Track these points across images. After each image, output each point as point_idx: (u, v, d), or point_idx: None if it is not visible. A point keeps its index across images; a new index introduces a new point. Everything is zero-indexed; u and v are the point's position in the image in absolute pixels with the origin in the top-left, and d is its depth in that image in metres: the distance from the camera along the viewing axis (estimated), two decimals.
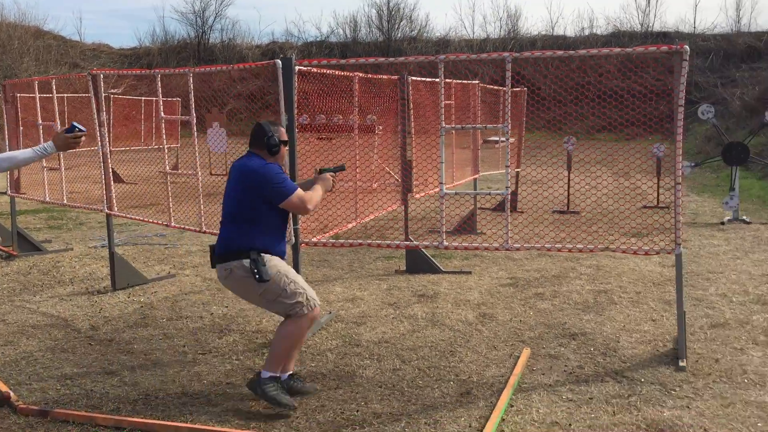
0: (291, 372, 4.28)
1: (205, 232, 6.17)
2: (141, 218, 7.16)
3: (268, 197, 4.01)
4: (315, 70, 5.48)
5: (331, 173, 4.43)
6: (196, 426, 3.87)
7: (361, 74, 6.60)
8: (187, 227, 6.57)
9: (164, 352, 5.10)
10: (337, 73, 6.12)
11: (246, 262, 3.94)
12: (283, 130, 4.24)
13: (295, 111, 5.10)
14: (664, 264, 7.51)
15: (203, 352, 5.09)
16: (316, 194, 4.22)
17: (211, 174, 16.15)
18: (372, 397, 4.27)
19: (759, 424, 3.79)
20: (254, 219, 4.01)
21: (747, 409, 3.98)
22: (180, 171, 11.23)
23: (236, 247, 3.99)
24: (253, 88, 27.37)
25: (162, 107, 6.45)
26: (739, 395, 4.17)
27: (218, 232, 4.17)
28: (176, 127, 16.86)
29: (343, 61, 5.15)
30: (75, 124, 4.06)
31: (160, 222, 6.81)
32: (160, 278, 7.27)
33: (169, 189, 6.57)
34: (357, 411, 4.07)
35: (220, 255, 4.06)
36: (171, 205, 6.57)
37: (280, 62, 5.00)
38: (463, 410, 4.04)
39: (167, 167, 6.63)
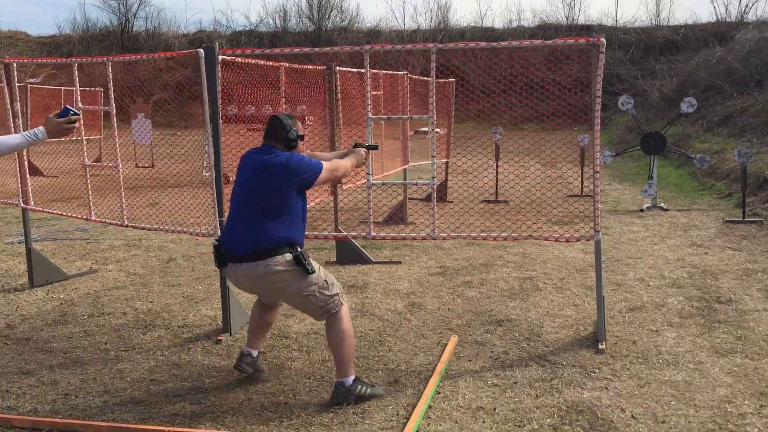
0: (260, 350, 4.40)
1: (127, 226, 6.01)
2: (58, 212, 6.91)
3: (303, 186, 3.96)
4: (240, 59, 5.39)
5: (365, 149, 4.46)
6: (119, 425, 3.78)
7: (287, 64, 6.54)
8: (108, 221, 6.38)
9: (85, 350, 4.95)
10: (262, 63, 6.05)
11: (287, 255, 3.85)
12: (300, 124, 4.14)
13: (219, 101, 5.01)
14: (586, 251, 7.74)
15: (126, 349, 4.97)
16: (345, 162, 4.24)
17: (136, 166, 15.73)
18: (300, 388, 4.26)
19: (672, 402, 3.96)
20: (288, 212, 3.91)
21: (661, 388, 4.16)
22: (102, 163, 10.89)
23: (273, 242, 3.85)
24: (180, 78, 26.73)
25: (80, 97, 6.23)
26: (654, 375, 4.35)
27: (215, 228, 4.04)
28: (98, 118, 16.32)
29: (267, 51, 5.09)
30: (68, 107, 3.81)
31: (79, 216, 6.60)
32: (81, 274, 7.05)
33: (89, 182, 6.36)
34: (285, 403, 4.05)
35: (252, 252, 3.84)
36: (91, 199, 6.37)
37: (202, 51, 4.89)
38: (391, 398, 4.07)
39: (86, 159, 6.41)
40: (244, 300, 6.06)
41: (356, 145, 4.49)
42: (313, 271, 3.91)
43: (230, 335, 5.19)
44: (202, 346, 5.03)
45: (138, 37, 35.72)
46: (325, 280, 3.99)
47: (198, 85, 5.02)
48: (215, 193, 5.14)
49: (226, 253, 3.94)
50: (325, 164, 4.05)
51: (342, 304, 4.05)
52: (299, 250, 3.92)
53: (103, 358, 4.80)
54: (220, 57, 4.98)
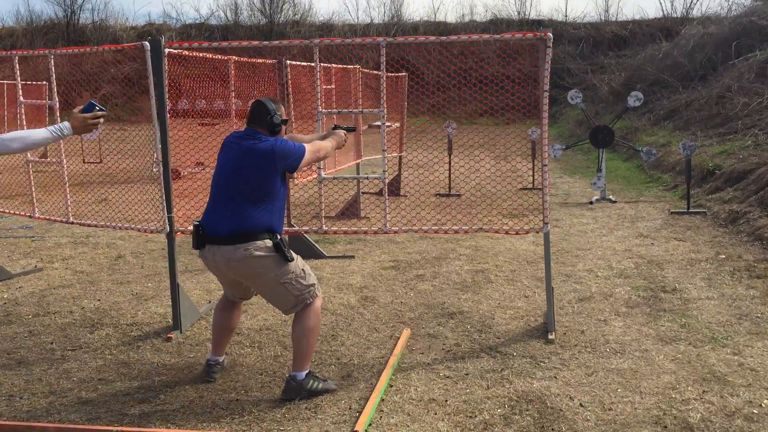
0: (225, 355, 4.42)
1: (72, 223, 5.87)
2: (1, 209, 6.71)
3: (287, 170, 3.98)
4: (186, 53, 5.31)
5: (344, 131, 4.46)
6: (65, 425, 3.70)
7: (236, 58, 6.46)
8: (53, 218, 6.22)
9: (30, 350, 4.83)
10: (211, 56, 5.97)
11: (267, 241, 3.85)
12: (283, 108, 4.15)
13: (167, 95, 4.92)
14: (537, 243, 7.85)
15: (73, 348, 4.86)
16: (326, 143, 4.25)
17: (84, 162, 15.39)
18: (252, 385, 4.23)
19: (618, 390, 4.05)
20: (270, 198, 3.92)
21: (608, 376, 4.25)
22: (47, 159, 10.59)
23: (253, 227, 3.84)
24: (129, 72, 26.16)
25: (21, 91, 6.06)
26: (601, 364, 4.44)
27: (196, 212, 4.04)
28: (43, 113, 15.89)
29: (215, 44, 5.02)
30: (93, 102, 3.62)
31: (23, 213, 6.42)
32: (26, 272, 6.85)
33: (32, 178, 6.20)
34: (237, 400, 4.02)
35: (232, 235, 3.83)
36: (35, 195, 6.20)
37: (148, 44, 4.80)
38: (343, 393, 4.07)
39: (29, 155, 6.24)
40: (195, 297, 5.99)
41: (335, 127, 4.52)
42: (292, 259, 3.93)
43: (180, 332, 5.12)
44: (151, 344, 4.95)
45: (84, 30, 34.86)
46: (303, 270, 4.00)
47: (147, 79, 4.92)
48: (164, 189, 5.06)
49: (204, 235, 3.92)
50: (308, 146, 4.08)
51: (317, 295, 4.06)
52: (278, 237, 3.92)
53: (48, 358, 4.68)
54: (167, 50, 4.90)
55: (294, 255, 3.97)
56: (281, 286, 3.92)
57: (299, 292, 3.97)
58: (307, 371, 4.03)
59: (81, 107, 3.66)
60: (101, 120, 3.64)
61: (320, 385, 4.05)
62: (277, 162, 3.89)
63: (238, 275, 3.99)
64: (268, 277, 3.90)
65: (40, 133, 3.50)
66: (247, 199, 3.87)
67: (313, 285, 4.04)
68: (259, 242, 3.84)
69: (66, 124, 3.57)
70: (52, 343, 4.97)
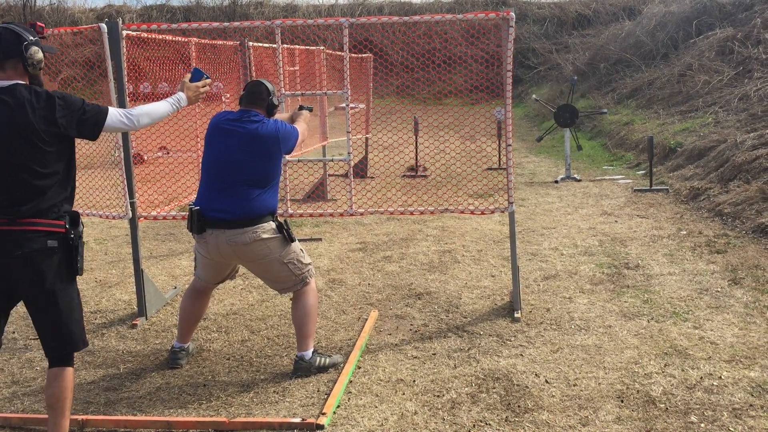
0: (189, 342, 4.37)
1: None
2: None
3: (286, 153, 4.05)
4: (145, 35, 5.21)
5: (308, 110, 4.49)
6: (28, 416, 3.66)
7: (197, 40, 6.35)
8: None
9: None
10: (169, 38, 5.86)
11: (272, 223, 3.91)
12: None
13: (126, 78, 4.83)
14: (503, 222, 7.90)
15: (35, 338, 4.75)
16: (304, 125, 4.31)
17: None
18: (219, 370, 4.22)
19: (583, 366, 4.12)
20: (273, 181, 3.98)
21: (573, 352, 4.32)
22: None
23: (259, 210, 3.89)
24: (90, 55, 25.61)
25: None
26: (566, 340, 4.51)
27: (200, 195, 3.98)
28: None
29: (174, 26, 4.92)
30: (198, 69, 3.50)
31: None
32: None
33: None
34: (204, 385, 4.00)
35: (240, 219, 3.83)
36: None
37: (105, 26, 4.70)
38: (312, 376, 4.08)
39: None
40: (160, 282, 5.93)
41: (301, 107, 4.52)
42: (294, 240, 4.00)
43: (146, 319, 5.07)
44: (116, 331, 4.89)
45: (42, 12, 33.96)
46: (301, 250, 4.09)
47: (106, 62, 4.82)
48: (125, 174, 4.98)
49: (205, 219, 3.88)
50: (299, 131, 4.13)
51: (313, 274, 4.15)
52: (278, 218, 4.00)
53: (10, 348, 4.60)
54: (125, 32, 4.80)
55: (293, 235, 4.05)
56: (284, 266, 3.99)
57: (300, 271, 4.04)
58: (312, 349, 4.10)
59: (189, 76, 3.58)
60: (207, 88, 3.61)
61: (327, 361, 4.13)
62: (281, 145, 3.96)
63: (243, 258, 4.00)
64: (272, 258, 3.96)
65: (163, 106, 3.43)
66: (254, 184, 3.89)
67: (310, 263, 4.13)
68: (265, 224, 3.91)
69: (181, 95, 3.52)
70: (14, 332, 4.88)
